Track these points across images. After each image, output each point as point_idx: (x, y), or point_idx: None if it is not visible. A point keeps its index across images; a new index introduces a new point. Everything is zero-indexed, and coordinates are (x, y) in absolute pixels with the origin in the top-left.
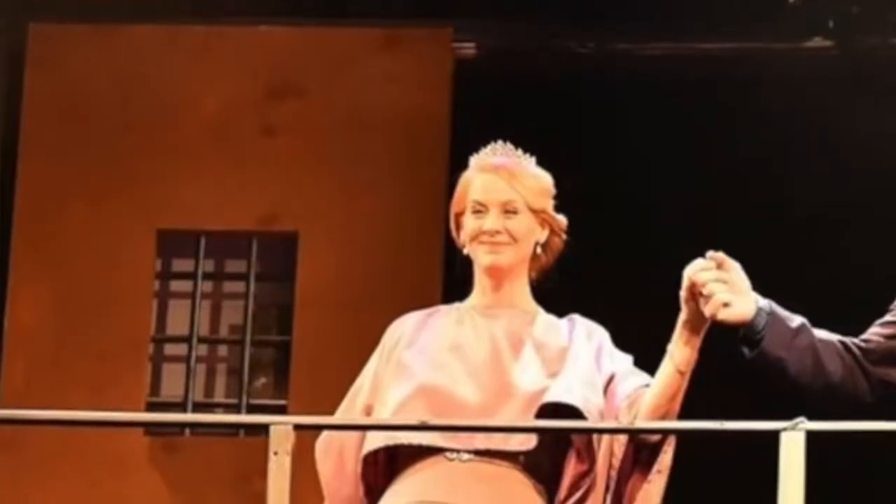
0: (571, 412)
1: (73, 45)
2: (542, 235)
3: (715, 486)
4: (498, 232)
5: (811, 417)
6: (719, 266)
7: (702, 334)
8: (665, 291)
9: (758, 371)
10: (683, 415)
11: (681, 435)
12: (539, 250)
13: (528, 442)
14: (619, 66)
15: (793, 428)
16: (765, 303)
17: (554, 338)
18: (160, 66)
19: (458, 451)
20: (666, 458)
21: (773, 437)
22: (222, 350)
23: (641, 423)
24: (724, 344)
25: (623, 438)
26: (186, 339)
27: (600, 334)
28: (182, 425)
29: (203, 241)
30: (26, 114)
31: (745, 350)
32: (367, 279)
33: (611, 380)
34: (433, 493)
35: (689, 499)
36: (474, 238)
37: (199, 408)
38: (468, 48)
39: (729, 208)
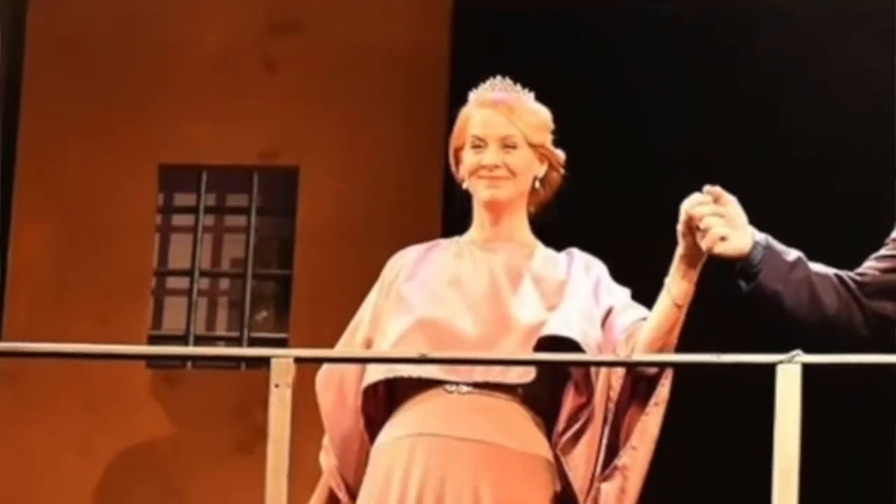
0: (570, 345)
1: None
2: (541, 170)
3: (712, 419)
4: (497, 166)
5: (807, 351)
6: (716, 200)
7: (698, 268)
8: (662, 225)
9: (754, 304)
10: (680, 348)
11: (678, 368)
12: (537, 185)
13: (527, 375)
14: (619, 1)
15: (789, 361)
16: (761, 237)
17: (552, 271)
18: (162, 2)
19: (457, 383)
20: (663, 390)
21: (770, 370)
22: (224, 283)
23: (639, 356)
24: (720, 278)
25: (621, 371)
26: (188, 273)
27: (598, 268)
28: (184, 358)
29: (204, 176)
30: (29, 50)
31: (742, 284)
32: (368, 213)
33: (608, 313)
34: (432, 426)
35: (686, 432)
36: (473, 172)
37: (200, 341)
38: None
39: (727, 143)
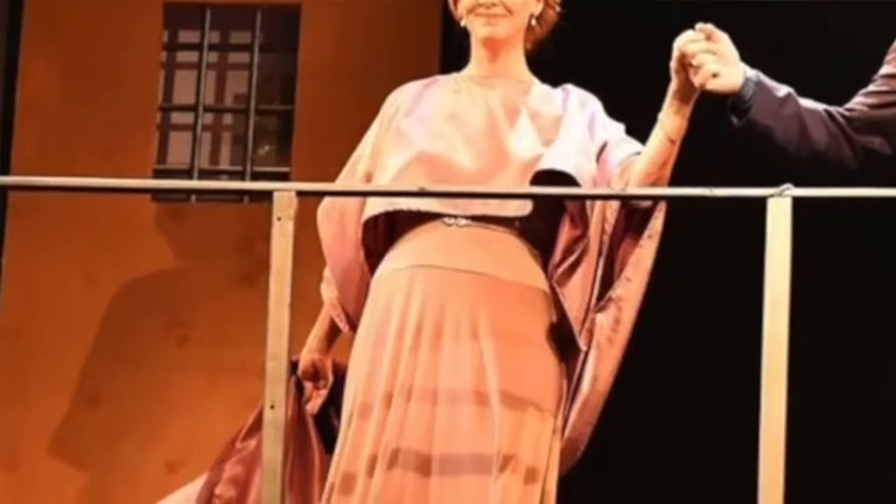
0: (565, 179)
1: None
2: (537, 7)
3: (704, 252)
4: (494, 4)
5: (798, 185)
6: (708, 38)
7: (691, 104)
8: (656, 62)
9: (745, 140)
10: (673, 183)
11: (671, 202)
12: (534, 22)
13: (524, 208)
14: None
15: (779, 194)
16: (752, 73)
17: (548, 107)
18: None
19: (455, 216)
20: (657, 223)
21: (761, 204)
22: (227, 119)
23: (633, 190)
24: (712, 113)
25: (615, 204)
26: (192, 109)
27: (593, 103)
28: (188, 192)
29: (208, 14)
30: None
31: (734, 119)
32: (368, 50)
33: (603, 147)
34: (431, 258)
35: (679, 263)
36: (471, 10)
37: (204, 175)
38: None
39: None
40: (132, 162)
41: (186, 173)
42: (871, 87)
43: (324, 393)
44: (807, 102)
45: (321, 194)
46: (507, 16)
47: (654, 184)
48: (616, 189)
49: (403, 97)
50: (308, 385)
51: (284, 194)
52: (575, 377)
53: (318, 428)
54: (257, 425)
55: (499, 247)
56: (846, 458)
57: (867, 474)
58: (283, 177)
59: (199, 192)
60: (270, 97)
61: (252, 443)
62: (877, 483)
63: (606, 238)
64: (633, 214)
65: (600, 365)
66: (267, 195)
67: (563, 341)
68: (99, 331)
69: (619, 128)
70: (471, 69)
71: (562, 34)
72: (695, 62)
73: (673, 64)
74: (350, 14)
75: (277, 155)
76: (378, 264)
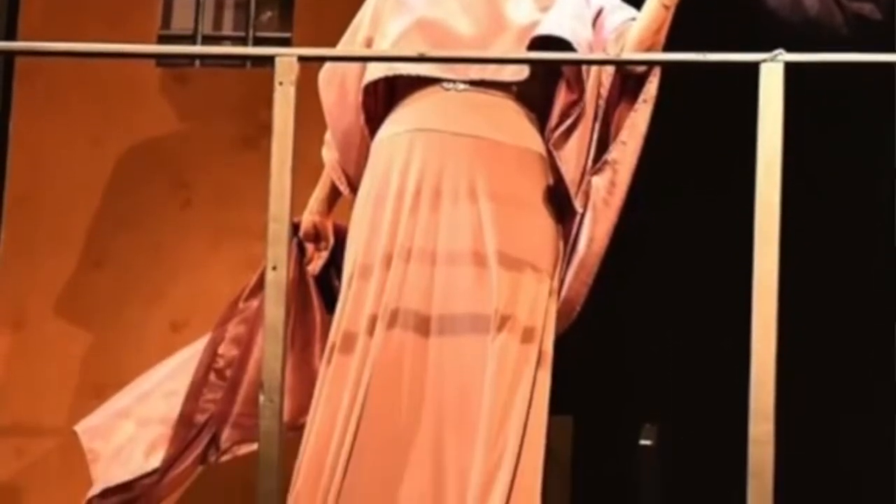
0: (561, 44)
1: None
2: None
3: (697, 117)
4: None
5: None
6: None
7: None
8: None
9: (738, 5)
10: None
11: (665, 67)
12: None
13: (521, 73)
14: None
15: (772, 59)
16: None
17: None
18: None
19: (453, 81)
20: (651, 87)
21: (754, 69)
22: None
23: (628, 55)
24: None
25: (610, 69)
26: None
27: None
28: (192, 57)
29: None
30: None
31: None
32: None
33: (599, 13)
34: (430, 121)
35: (671, 127)
36: None
37: (207, 40)
38: None
39: None
40: (137, 27)
41: (190, 39)
42: None
43: (325, 254)
44: None
45: (322, 59)
46: None
47: (648, 49)
48: (611, 54)
49: None
50: (309, 246)
51: (286, 59)
52: (571, 239)
53: (319, 289)
54: (259, 286)
55: (496, 111)
56: (835, 313)
57: (858, 324)
58: (285, 42)
59: (203, 57)
60: None
61: (254, 303)
62: (872, 327)
63: (602, 102)
64: (628, 79)
65: (596, 226)
66: (269, 60)
67: (560, 203)
68: (104, 193)
69: None
70: None
71: None
72: None
73: None
74: None
75: (279, 20)
76: (378, 128)
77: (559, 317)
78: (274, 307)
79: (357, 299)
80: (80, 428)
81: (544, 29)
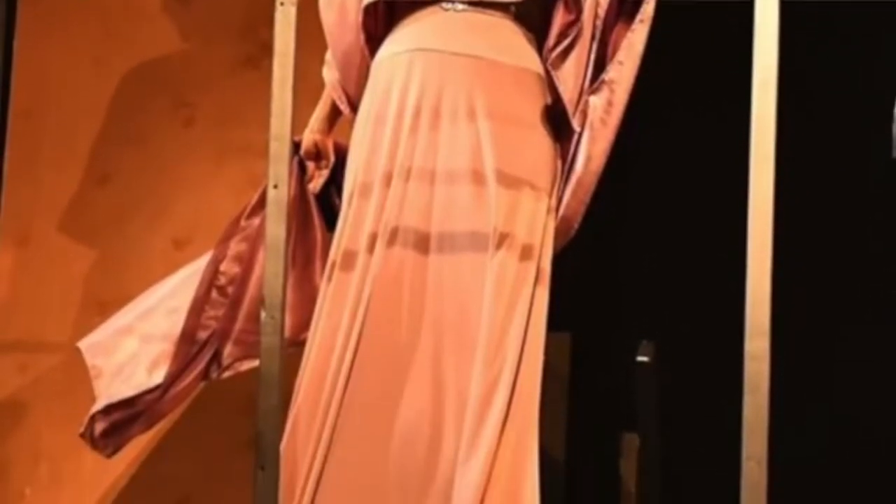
0: None
1: None
2: None
3: (689, 57)
4: None
5: None
6: None
7: None
8: None
9: None
10: None
11: None
12: None
13: None
14: None
15: None
16: None
17: None
18: None
19: (452, 1)
20: (648, 7)
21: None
22: None
23: None
24: None
25: None
26: None
27: None
28: None
29: None
30: None
31: None
32: None
33: None
34: (429, 41)
35: (664, 66)
36: None
37: None
38: None
39: None
40: None
41: None
42: None
43: (325, 173)
44: None
45: None
46: None
47: None
48: None
49: None
50: (310, 165)
51: None
52: (569, 157)
53: (320, 207)
54: (261, 204)
55: (495, 31)
56: (831, 237)
57: (851, 248)
58: None
59: None
60: None
61: (256, 221)
62: (861, 261)
63: (599, 23)
64: (624, 0)
65: (594, 145)
66: None
67: (558, 123)
68: (108, 112)
69: None
70: None
71: None
72: None
73: None
74: None
75: None
76: (378, 48)
77: (557, 234)
78: (275, 225)
79: (357, 217)
80: (83, 344)
81: None
